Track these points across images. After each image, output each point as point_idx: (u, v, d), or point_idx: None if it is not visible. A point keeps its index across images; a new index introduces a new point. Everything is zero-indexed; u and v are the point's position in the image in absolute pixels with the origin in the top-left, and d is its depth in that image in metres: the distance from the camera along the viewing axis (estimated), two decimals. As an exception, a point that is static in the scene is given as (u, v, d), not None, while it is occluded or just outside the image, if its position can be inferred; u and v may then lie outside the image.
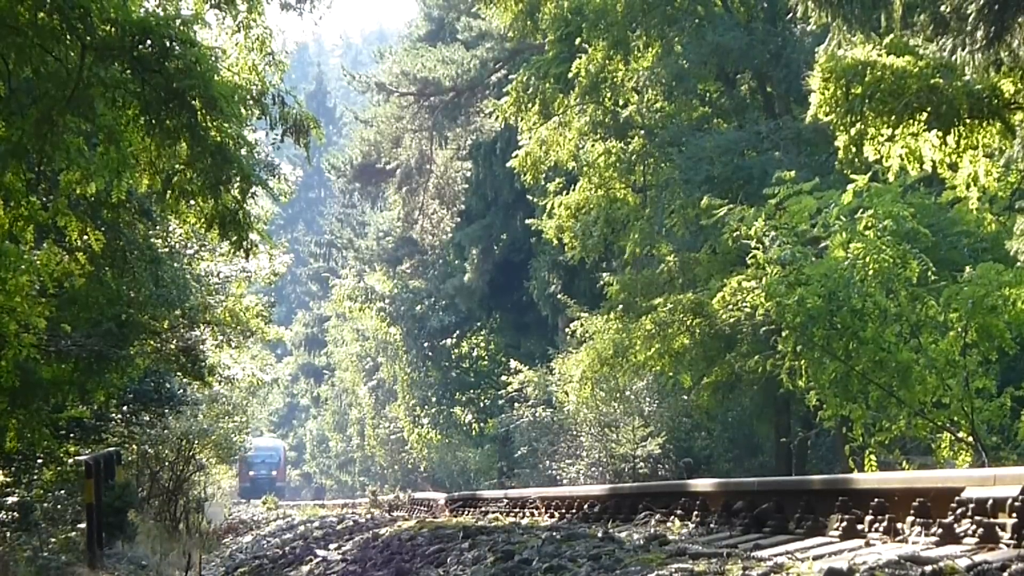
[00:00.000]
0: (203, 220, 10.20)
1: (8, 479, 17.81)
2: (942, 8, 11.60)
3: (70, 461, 18.19)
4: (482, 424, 43.02)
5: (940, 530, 6.54)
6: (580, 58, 24.30)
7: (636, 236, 24.86)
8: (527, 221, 31.53)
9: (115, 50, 8.77)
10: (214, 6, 11.27)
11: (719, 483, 10.31)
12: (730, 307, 16.53)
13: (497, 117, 27.26)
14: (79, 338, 14.65)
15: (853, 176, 14.77)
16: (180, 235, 18.49)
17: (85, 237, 11.13)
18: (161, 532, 20.11)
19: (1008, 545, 6.02)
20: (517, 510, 15.53)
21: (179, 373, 20.92)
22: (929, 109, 11.90)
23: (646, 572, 6.71)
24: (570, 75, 24.49)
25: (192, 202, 10.13)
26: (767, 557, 6.86)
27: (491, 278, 41.83)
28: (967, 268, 14.22)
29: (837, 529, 7.51)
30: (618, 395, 25.94)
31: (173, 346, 19.62)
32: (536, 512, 14.65)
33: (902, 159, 12.37)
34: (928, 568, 5.63)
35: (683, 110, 26.38)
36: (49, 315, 12.22)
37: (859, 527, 7.32)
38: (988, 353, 13.83)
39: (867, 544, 6.99)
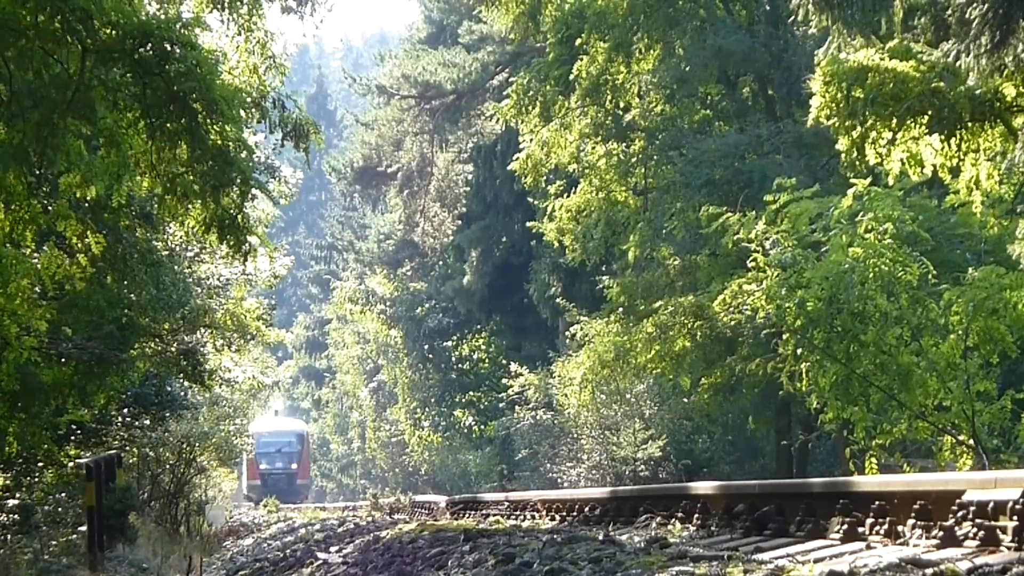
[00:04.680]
0: (202, 223, 10.20)
1: (9, 482, 17.81)
2: (946, 13, 11.58)
3: (71, 464, 18.19)
4: (482, 427, 43.00)
5: (941, 533, 6.54)
6: (581, 60, 24.30)
7: (637, 239, 24.86)
8: (527, 224, 31.54)
9: (116, 53, 8.78)
10: (216, 8, 11.29)
11: (720, 486, 10.31)
12: (731, 310, 16.52)
13: (498, 120, 27.26)
14: (80, 341, 14.67)
15: (854, 180, 14.76)
16: (180, 238, 18.50)
17: (85, 240, 11.13)
18: (162, 535, 20.09)
19: (1009, 548, 6.02)
20: (518, 513, 15.53)
21: (180, 376, 20.93)
22: (931, 112, 11.89)
23: (647, 575, 6.71)
24: (571, 77, 24.48)
25: (192, 205, 10.13)
26: (768, 560, 6.86)
27: (491, 280, 41.83)
28: (969, 271, 14.21)
29: (838, 532, 7.51)
30: (618, 398, 25.93)
31: (174, 349, 19.63)
32: (537, 515, 14.64)
33: (903, 163, 12.37)
34: (929, 571, 5.63)
35: (684, 113, 26.38)
36: (50, 318, 12.22)
37: (860, 530, 7.32)
38: (989, 356, 13.82)
39: (868, 547, 6.99)
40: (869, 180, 14.82)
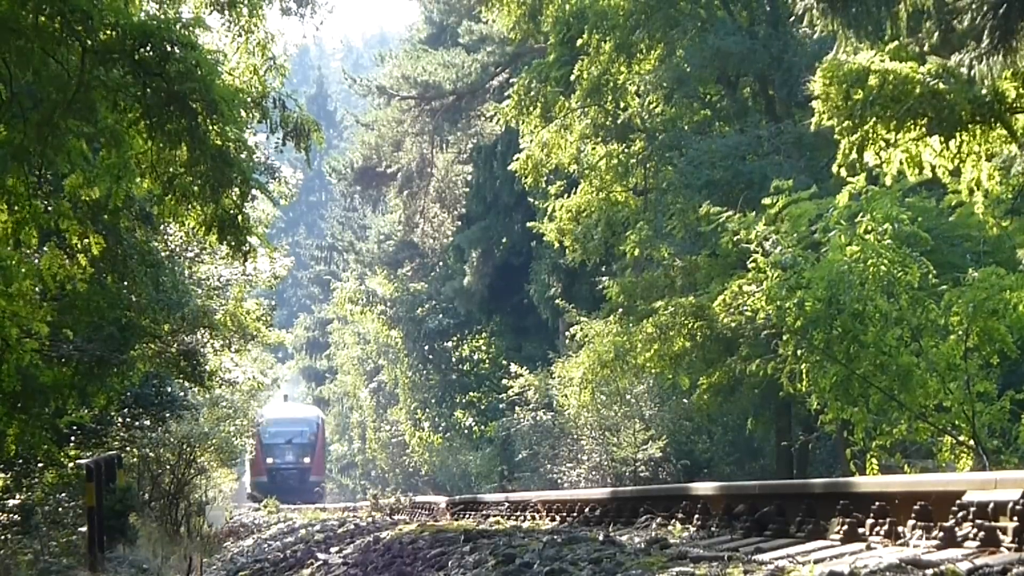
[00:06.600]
0: (202, 224, 10.20)
1: (9, 482, 17.82)
2: (951, 17, 11.55)
3: (71, 465, 18.20)
4: (483, 427, 43.00)
5: (941, 534, 6.54)
6: (582, 61, 24.31)
7: (637, 239, 24.86)
8: (527, 224, 31.54)
9: (116, 54, 8.78)
10: (216, 9, 11.30)
11: (720, 486, 10.31)
12: (731, 310, 16.51)
13: (498, 120, 27.26)
14: (80, 342, 14.68)
15: (850, 180, 14.74)
16: (180, 239, 18.52)
17: (85, 241, 11.13)
18: (162, 535, 20.12)
19: (1009, 549, 6.02)
20: (518, 513, 15.52)
21: (180, 377, 20.93)
22: (931, 114, 11.88)
23: (647, 575, 6.71)
24: (572, 78, 24.49)
25: (191, 206, 10.13)
26: (768, 560, 6.86)
27: (491, 281, 41.82)
28: (968, 271, 14.20)
29: (838, 532, 7.51)
30: (618, 398, 25.92)
31: (174, 350, 19.64)
32: (537, 515, 14.64)
33: (903, 164, 12.35)
34: (929, 571, 5.63)
35: (684, 114, 26.37)
36: (50, 320, 12.22)
37: (860, 531, 7.32)
38: (989, 357, 13.81)
39: (868, 547, 6.99)
40: (865, 178, 14.79)
